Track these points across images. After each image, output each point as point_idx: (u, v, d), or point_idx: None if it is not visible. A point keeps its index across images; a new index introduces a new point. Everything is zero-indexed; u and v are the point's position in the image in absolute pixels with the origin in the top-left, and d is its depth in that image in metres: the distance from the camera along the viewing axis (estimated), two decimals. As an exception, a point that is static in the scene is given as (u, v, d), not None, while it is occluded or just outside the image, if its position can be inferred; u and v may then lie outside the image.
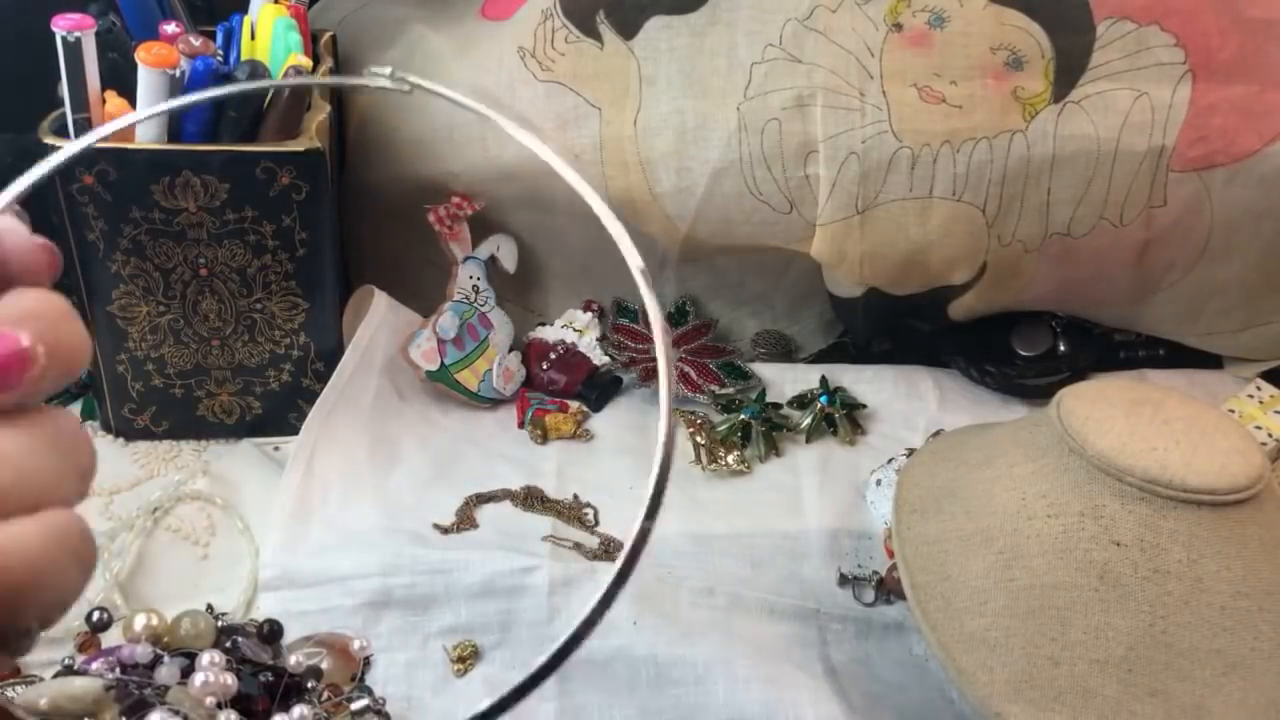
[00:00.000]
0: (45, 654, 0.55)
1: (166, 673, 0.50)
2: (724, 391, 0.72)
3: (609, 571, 0.58)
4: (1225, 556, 0.48)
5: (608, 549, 0.60)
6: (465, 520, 0.62)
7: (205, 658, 0.50)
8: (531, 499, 0.64)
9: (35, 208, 0.67)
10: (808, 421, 0.70)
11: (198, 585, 0.59)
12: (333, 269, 0.64)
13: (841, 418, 0.70)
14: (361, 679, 0.55)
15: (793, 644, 0.56)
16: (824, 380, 0.72)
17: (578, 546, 0.60)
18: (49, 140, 0.57)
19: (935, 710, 0.53)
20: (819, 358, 0.77)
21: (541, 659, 0.29)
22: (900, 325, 0.74)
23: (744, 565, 0.61)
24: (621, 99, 0.68)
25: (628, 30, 0.69)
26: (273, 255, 0.61)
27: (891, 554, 0.59)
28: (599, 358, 0.74)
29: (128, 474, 0.65)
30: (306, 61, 0.61)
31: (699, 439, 0.68)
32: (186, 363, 0.65)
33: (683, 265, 0.73)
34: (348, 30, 0.76)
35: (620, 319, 0.75)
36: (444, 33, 0.74)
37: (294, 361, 0.66)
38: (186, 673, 0.50)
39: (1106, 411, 0.54)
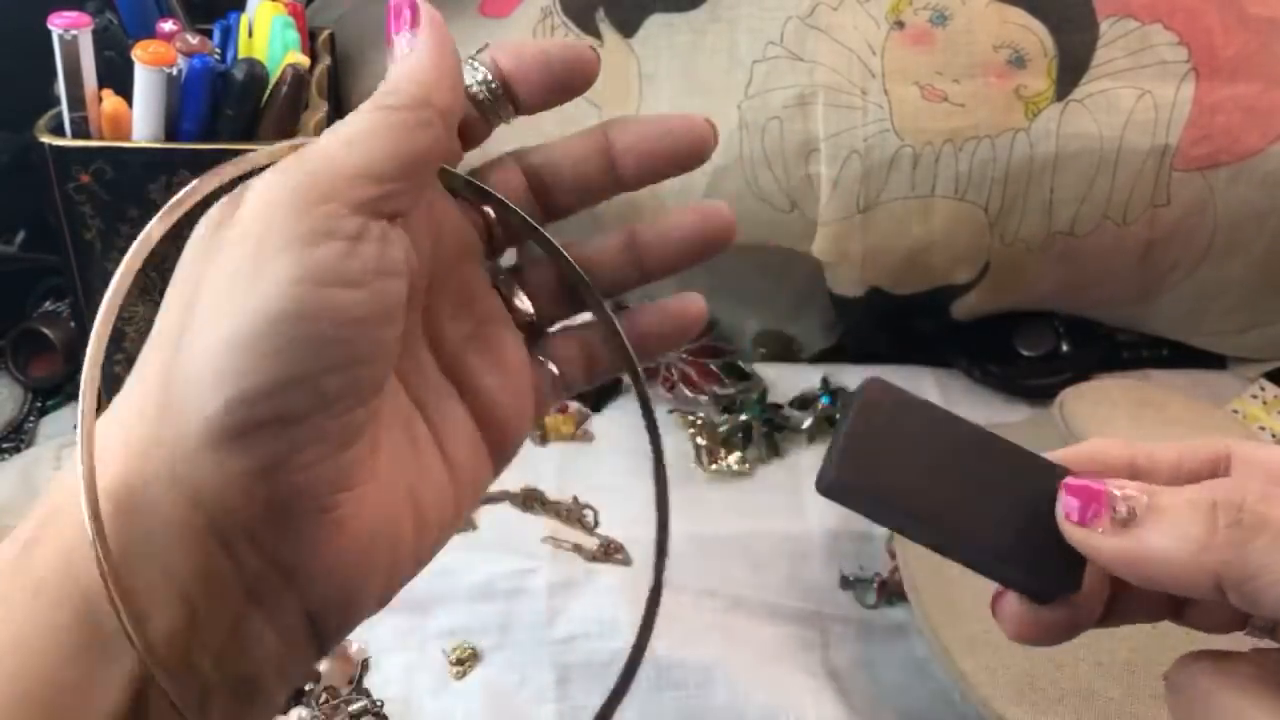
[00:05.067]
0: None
1: (163, 675, 0.50)
2: (725, 392, 0.71)
3: (609, 573, 0.58)
4: (1230, 558, 0.47)
5: (607, 551, 0.60)
6: (464, 521, 0.62)
7: (202, 660, 0.50)
8: (531, 500, 0.64)
9: (33, 207, 0.67)
10: (809, 422, 0.69)
11: (195, 587, 0.58)
12: (331, 268, 0.64)
13: (843, 418, 0.70)
14: (359, 681, 0.54)
15: (794, 646, 0.56)
16: (825, 381, 0.72)
17: (577, 548, 0.60)
18: (45, 139, 0.57)
19: (937, 713, 0.53)
20: (820, 358, 0.77)
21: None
22: (902, 325, 0.74)
23: (745, 567, 0.60)
24: (622, 97, 0.68)
25: (628, 28, 0.69)
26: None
27: (894, 556, 0.59)
28: (599, 358, 0.74)
29: (125, 475, 0.65)
30: (304, 60, 0.61)
31: (700, 440, 0.68)
32: (184, 363, 0.64)
33: (683, 265, 0.73)
34: (345, 28, 0.75)
35: (620, 319, 0.75)
36: (443, 31, 0.73)
37: (292, 361, 0.66)
38: (183, 675, 0.50)
39: (1109, 412, 0.53)
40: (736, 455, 0.67)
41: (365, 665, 0.55)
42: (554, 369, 0.35)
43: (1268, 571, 0.25)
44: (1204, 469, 0.30)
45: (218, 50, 0.63)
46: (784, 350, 0.76)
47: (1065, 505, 0.28)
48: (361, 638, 0.55)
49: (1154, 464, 0.31)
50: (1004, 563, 0.30)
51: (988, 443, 0.32)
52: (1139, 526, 0.27)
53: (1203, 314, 0.72)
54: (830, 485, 0.30)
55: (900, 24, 0.66)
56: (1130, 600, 0.30)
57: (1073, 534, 0.28)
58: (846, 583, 0.60)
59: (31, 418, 0.68)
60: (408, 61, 0.29)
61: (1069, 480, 0.29)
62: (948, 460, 0.31)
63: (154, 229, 0.28)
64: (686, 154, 0.33)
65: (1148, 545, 0.27)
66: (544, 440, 0.69)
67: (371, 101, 0.28)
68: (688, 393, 0.71)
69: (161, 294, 0.66)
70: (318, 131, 0.60)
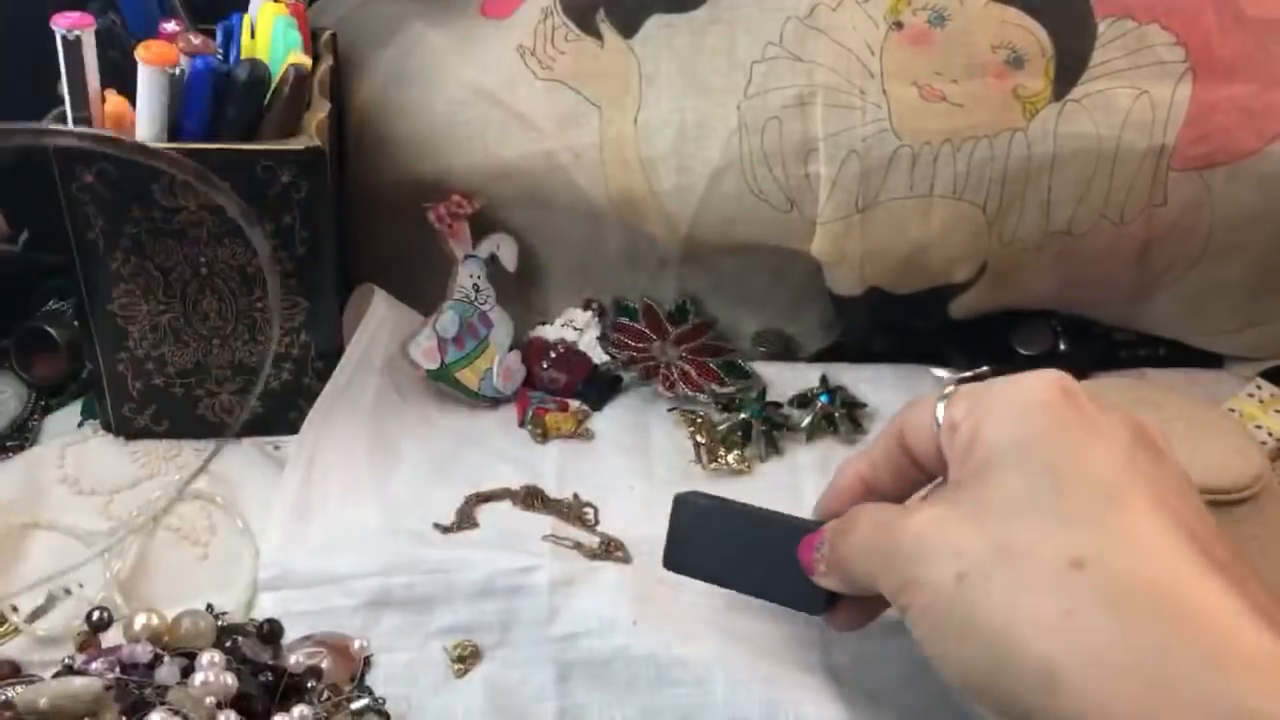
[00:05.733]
0: (45, 654, 0.55)
1: (166, 673, 0.50)
2: (724, 390, 0.71)
3: (609, 571, 0.58)
4: (1226, 556, 0.48)
5: (608, 548, 0.60)
6: (465, 520, 0.62)
7: (205, 658, 0.50)
8: (531, 498, 0.64)
9: (37, 207, 0.67)
10: (808, 421, 0.70)
11: (198, 585, 0.59)
12: (333, 268, 0.64)
13: (842, 417, 0.70)
14: (361, 679, 0.55)
15: (794, 644, 0.56)
16: (824, 379, 0.72)
17: (578, 546, 0.60)
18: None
19: (937, 711, 0.53)
20: (819, 357, 0.77)
21: None
22: (901, 324, 0.74)
23: (744, 564, 0.61)
24: (622, 97, 0.68)
25: (628, 28, 0.69)
26: (273, 254, 0.61)
27: (892, 553, 0.59)
28: (599, 356, 0.74)
29: (127, 473, 0.65)
30: (306, 60, 0.61)
31: (699, 438, 0.68)
32: (187, 362, 0.65)
33: (683, 264, 0.73)
34: (347, 28, 0.75)
35: (620, 318, 0.75)
36: (443, 30, 0.73)
37: (294, 360, 0.66)
38: (186, 673, 0.50)
39: (1107, 411, 0.53)
40: (735, 454, 0.68)
41: (367, 663, 0.55)
42: None
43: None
44: (900, 452, 0.47)
45: (220, 50, 0.63)
46: (783, 349, 0.77)
47: (800, 559, 0.48)
48: (364, 635, 0.56)
49: (876, 473, 0.48)
50: (784, 597, 0.51)
51: (765, 518, 0.51)
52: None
53: (1200, 313, 0.73)
54: (665, 567, 0.54)
55: (899, 24, 0.66)
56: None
57: (810, 576, 0.48)
58: (845, 580, 0.60)
59: (35, 417, 0.69)
60: None
61: (802, 542, 0.48)
62: (739, 538, 0.51)
63: None
64: None
65: (828, 579, 0.47)
66: (544, 438, 0.69)
67: None
68: (687, 391, 0.71)
69: (163, 293, 0.67)
70: (319, 131, 0.61)
